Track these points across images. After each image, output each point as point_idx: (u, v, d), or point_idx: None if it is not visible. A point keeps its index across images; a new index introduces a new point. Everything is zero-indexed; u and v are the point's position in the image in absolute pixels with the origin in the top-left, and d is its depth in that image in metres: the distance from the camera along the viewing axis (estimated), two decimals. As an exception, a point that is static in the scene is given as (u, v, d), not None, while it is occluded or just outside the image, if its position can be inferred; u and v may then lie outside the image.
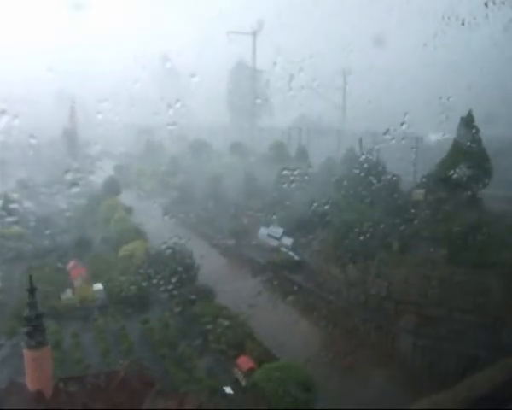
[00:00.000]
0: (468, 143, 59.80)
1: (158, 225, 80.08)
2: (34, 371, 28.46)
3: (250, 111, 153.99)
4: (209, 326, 46.81)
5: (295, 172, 79.07)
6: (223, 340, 44.12)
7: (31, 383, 28.40)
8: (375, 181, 64.40)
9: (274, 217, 72.91)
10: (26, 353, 28.74)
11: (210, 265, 62.33)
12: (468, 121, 61.17)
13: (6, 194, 79.59)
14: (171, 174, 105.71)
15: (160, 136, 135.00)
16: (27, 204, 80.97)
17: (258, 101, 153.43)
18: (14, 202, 78.59)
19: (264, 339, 44.29)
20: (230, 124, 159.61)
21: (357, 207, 61.32)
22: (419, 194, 66.97)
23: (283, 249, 67.27)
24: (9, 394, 29.40)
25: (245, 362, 40.40)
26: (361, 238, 53.65)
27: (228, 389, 37.53)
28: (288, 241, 68.18)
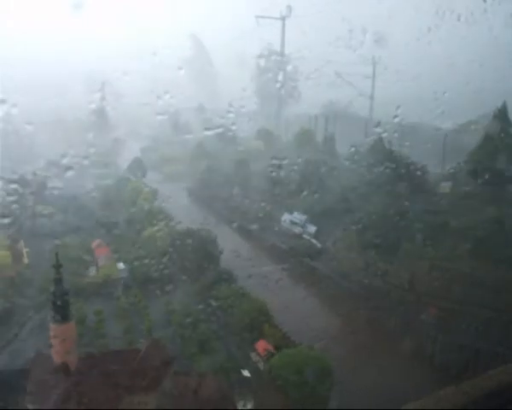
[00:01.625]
0: (502, 135, 58.36)
1: (182, 208, 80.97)
2: (59, 344, 29.47)
3: (278, 97, 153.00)
4: (229, 310, 47.15)
5: (321, 160, 78.75)
6: (242, 324, 44.37)
7: (56, 356, 29.43)
8: (402, 171, 63.76)
9: (297, 203, 72.87)
10: (52, 327, 29.77)
11: (232, 249, 62.60)
12: (501, 113, 59.57)
13: (35, 173, 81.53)
14: (196, 158, 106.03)
15: (188, 119, 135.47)
16: (56, 183, 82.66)
17: (286, 86, 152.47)
18: (43, 181, 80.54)
19: (283, 324, 44.34)
20: (258, 109, 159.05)
21: (382, 198, 60.89)
22: (446, 186, 65.96)
23: (306, 236, 67.17)
24: (36, 365, 30.63)
25: (263, 346, 40.66)
26: (385, 229, 53.29)
27: (246, 373, 37.84)
28: (311, 228, 68.00)
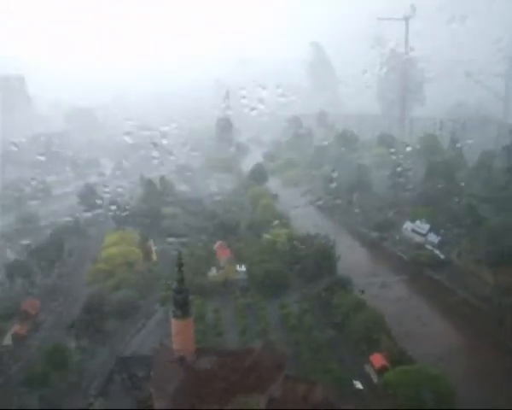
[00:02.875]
0: None
1: (302, 214, 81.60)
2: (178, 338, 31.54)
3: (401, 100, 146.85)
4: (345, 318, 46.39)
5: (446, 166, 74.13)
6: (357, 334, 43.40)
7: (175, 349, 31.52)
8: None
9: (420, 212, 69.35)
10: (173, 321, 31.93)
11: (351, 256, 61.74)
12: None
13: (163, 177, 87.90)
14: (317, 164, 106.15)
15: (309, 125, 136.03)
16: (183, 187, 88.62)
17: (410, 89, 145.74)
18: (170, 184, 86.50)
19: (401, 338, 42.41)
20: (380, 114, 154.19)
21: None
22: None
23: (428, 247, 63.55)
24: (159, 355, 33.14)
25: (378, 360, 39.37)
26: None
27: (358, 384, 36.98)
28: (434, 238, 64.23)
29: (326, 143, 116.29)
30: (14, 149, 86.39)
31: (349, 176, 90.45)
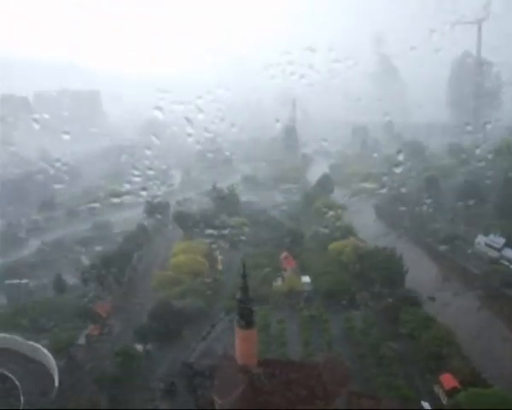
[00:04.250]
0: None
1: (369, 225, 79.93)
2: (242, 347, 31.87)
3: (474, 107, 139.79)
4: (414, 334, 44.76)
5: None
6: (426, 351, 41.67)
7: (238, 358, 31.87)
8: None
9: (495, 225, 65.81)
10: (237, 330, 32.33)
11: (420, 270, 59.77)
12: None
13: (232, 187, 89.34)
14: (384, 174, 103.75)
15: (376, 136, 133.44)
16: (249, 197, 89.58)
17: (484, 95, 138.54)
18: (236, 194, 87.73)
19: (472, 358, 40.27)
20: (450, 122, 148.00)
21: None
22: None
23: (504, 262, 60.03)
24: (222, 363, 33.67)
25: (448, 380, 37.52)
26: None
27: (426, 405, 35.47)
28: (510, 253, 60.64)
29: (393, 152, 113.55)
30: (89, 160, 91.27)
31: (418, 186, 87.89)
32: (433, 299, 48.69)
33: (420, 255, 69.01)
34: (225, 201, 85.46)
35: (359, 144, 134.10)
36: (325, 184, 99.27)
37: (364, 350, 43.31)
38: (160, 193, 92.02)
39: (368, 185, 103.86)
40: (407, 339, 45.17)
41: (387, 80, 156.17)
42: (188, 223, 76.81)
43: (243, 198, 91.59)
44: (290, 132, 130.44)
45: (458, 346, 41.44)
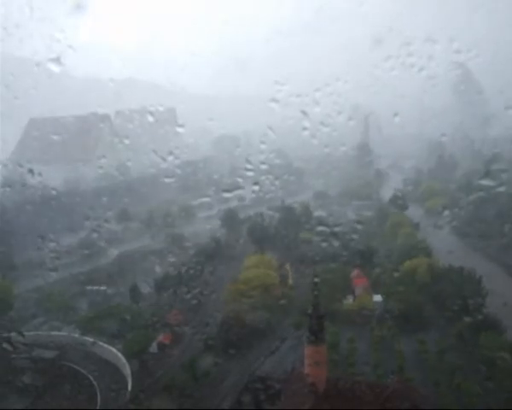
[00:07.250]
0: None
1: (445, 244, 76.35)
2: (311, 364, 31.37)
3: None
4: (494, 362, 41.81)
5: None
6: (509, 382, 38.73)
7: (308, 374, 31.38)
8: None
9: None
10: (306, 347, 31.92)
11: (502, 294, 55.93)
12: None
13: (304, 203, 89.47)
14: (462, 192, 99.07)
15: (453, 150, 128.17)
16: (320, 213, 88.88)
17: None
18: (308, 210, 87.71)
19: None
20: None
21: None
22: None
23: None
24: (291, 379, 33.35)
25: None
26: None
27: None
28: None
29: (472, 168, 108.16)
30: (168, 174, 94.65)
31: (500, 205, 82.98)
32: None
33: (503, 278, 64.79)
34: (297, 216, 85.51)
35: (435, 160, 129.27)
36: (398, 200, 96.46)
37: (439, 376, 41.00)
38: (230, 207, 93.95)
39: (444, 201, 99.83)
40: (487, 366, 42.16)
41: (468, 91, 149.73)
42: (260, 237, 77.48)
43: (315, 213, 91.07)
44: (363, 147, 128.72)
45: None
